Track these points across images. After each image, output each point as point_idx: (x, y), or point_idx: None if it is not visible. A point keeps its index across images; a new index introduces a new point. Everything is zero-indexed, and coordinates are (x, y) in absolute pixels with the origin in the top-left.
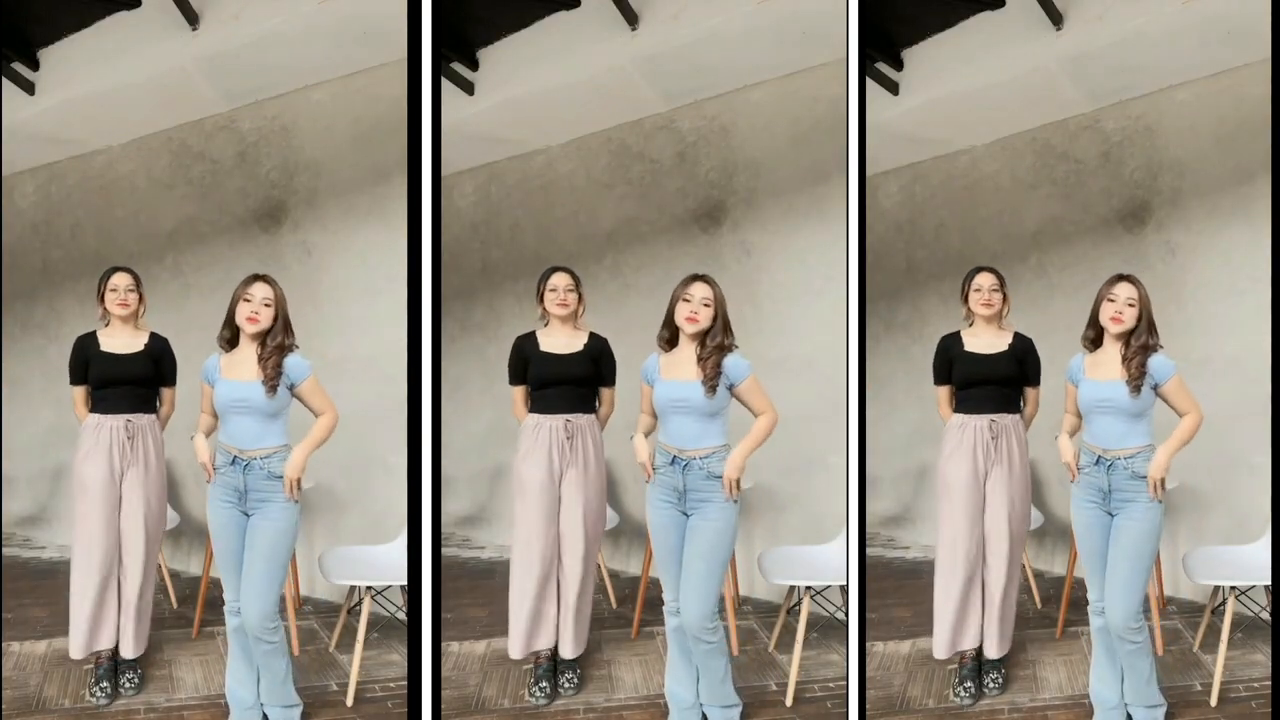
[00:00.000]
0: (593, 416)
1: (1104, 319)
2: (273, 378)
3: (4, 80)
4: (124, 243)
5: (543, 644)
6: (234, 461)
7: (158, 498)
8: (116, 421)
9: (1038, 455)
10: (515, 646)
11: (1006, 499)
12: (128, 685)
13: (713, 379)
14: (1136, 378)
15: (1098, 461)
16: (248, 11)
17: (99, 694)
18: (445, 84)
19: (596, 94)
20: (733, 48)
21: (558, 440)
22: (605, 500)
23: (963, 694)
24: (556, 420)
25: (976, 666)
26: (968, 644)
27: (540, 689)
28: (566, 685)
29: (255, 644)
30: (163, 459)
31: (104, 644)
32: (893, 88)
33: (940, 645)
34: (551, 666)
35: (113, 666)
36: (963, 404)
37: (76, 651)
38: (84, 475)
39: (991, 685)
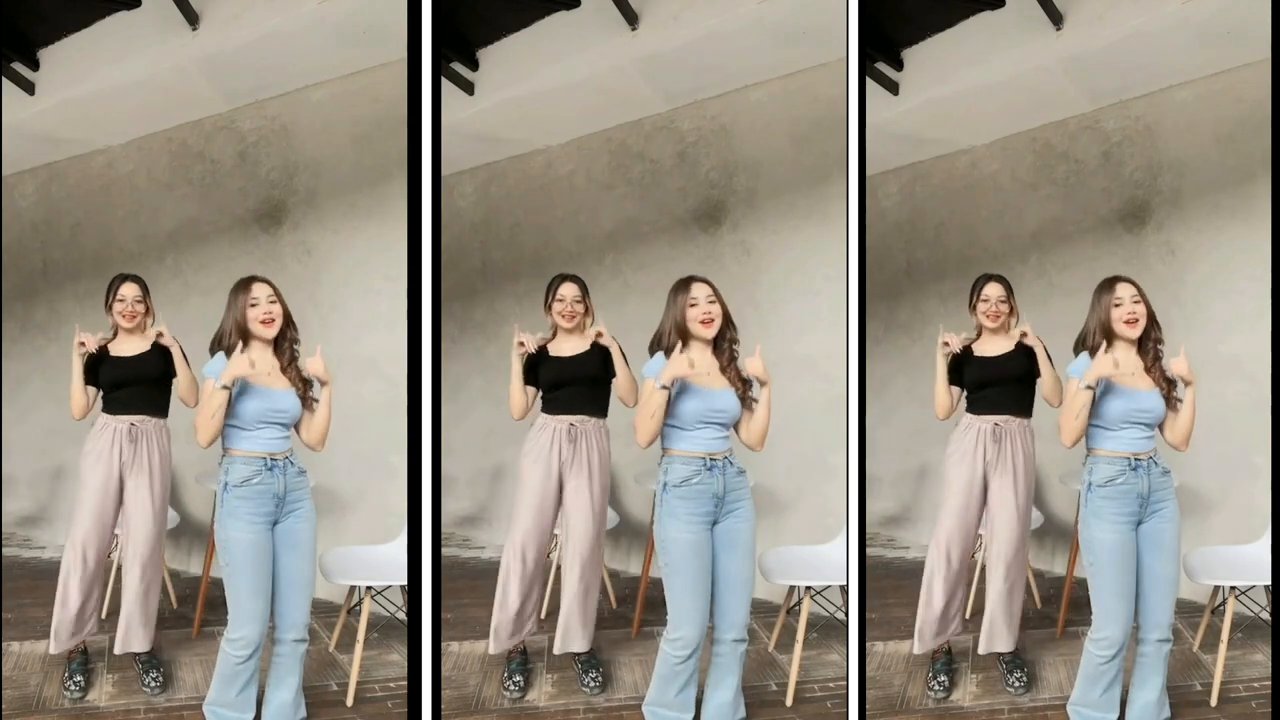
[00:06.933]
0: (600, 421)
1: (1117, 324)
2: (305, 391)
3: (4, 80)
4: (124, 243)
5: (520, 638)
6: (271, 468)
7: (160, 500)
8: (121, 424)
9: (1037, 455)
10: (496, 641)
11: (1009, 503)
12: (152, 684)
13: (745, 389)
14: (1169, 388)
15: (1134, 468)
16: (248, 11)
17: (72, 687)
18: (445, 84)
19: (596, 94)
20: (733, 48)
21: (560, 442)
22: (607, 503)
23: (936, 688)
24: (561, 422)
25: (948, 661)
26: (944, 639)
27: (514, 683)
28: (591, 683)
29: (295, 648)
30: (168, 462)
31: (84, 636)
32: (893, 88)
33: (920, 640)
34: (523, 661)
35: (85, 660)
36: (972, 405)
37: (56, 647)
38: (85, 473)
39: (1016, 684)
